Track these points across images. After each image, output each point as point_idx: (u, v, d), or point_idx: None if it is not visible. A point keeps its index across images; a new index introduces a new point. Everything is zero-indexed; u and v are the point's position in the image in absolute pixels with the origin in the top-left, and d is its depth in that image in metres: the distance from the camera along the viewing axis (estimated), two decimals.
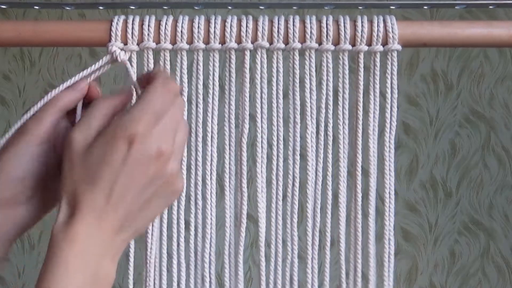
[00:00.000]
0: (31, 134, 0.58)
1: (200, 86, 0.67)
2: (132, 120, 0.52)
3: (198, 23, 0.65)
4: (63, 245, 0.49)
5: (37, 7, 0.75)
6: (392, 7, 0.73)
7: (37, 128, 0.58)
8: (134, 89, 0.61)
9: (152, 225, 0.67)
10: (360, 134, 0.67)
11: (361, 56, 0.66)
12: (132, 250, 0.69)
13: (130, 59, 0.65)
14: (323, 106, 0.67)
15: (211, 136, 0.67)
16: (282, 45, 0.65)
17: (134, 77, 0.65)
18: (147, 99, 0.53)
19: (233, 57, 0.66)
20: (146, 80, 0.58)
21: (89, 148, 0.52)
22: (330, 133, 0.67)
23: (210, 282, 0.68)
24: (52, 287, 0.48)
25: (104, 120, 0.55)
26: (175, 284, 0.68)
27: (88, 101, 0.63)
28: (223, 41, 0.65)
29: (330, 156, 0.68)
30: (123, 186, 0.51)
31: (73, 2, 0.77)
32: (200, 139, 0.67)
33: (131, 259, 0.69)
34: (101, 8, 0.76)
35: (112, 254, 0.52)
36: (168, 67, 0.66)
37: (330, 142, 0.68)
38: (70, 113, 0.62)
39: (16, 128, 0.60)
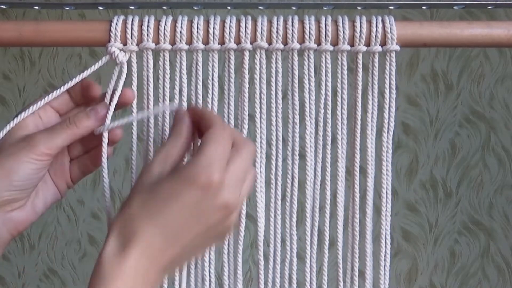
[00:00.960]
0: (40, 149, 0.58)
1: (200, 87, 0.67)
2: (209, 167, 0.51)
3: (197, 23, 0.65)
4: (112, 277, 0.48)
5: (37, 7, 0.75)
6: (391, 7, 0.73)
7: (48, 146, 0.58)
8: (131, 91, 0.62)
9: None
10: (358, 134, 0.67)
11: (360, 56, 0.66)
12: None
13: (129, 60, 0.65)
14: (322, 106, 0.67)
15: None
16: (281, 46, 0.65)
17: (125, 78, 0.65)
18: (218, 143, 0.53)
19: (232, 57, 0.66)
20: (195, 116, 0.57)
21: (159, 184, 0.51)
22: (329, 133, 0.67)
23: (210, 281, 0.68)
24: None
25: (179, 160, 0.54)
26: (176, 283, 0.68)
27: (121, 106, 0.63)
28: (222, 42, 0.65)
29: (329, 156, 0.68)
30: (183, 230, 0.51)
31: (73, 2, 0.77)
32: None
33: None
34: (101, 8, 0.76)
35: None
36: (167, 67, 0.66)
37: (329, 142, 0.68)
38: None
39: (13, 125, 0.60)
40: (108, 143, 0.62)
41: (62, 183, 0.64)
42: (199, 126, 0.58)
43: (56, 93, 0.62)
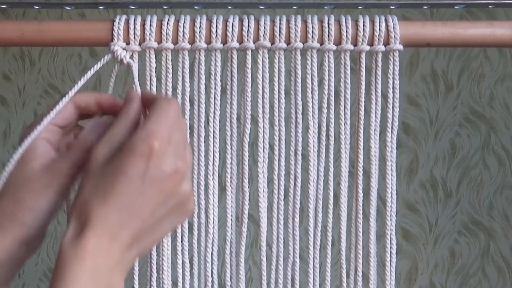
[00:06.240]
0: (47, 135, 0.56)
1: (202, 86, 0.67)
2: (149, 135, 0.50)
3: (200, 23, 0.65)
4: (72, 261, 0.47)
5: (37, 7, 0.75)
6: (392, 7, 0.73)
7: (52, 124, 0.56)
8: (136, 91, 0.61)
9: None
10: (361, 134, 0.67)
11: (363, 56, 0.66)
12: None
13: (131, 59, 0.65)
14: (325, 106, 0.67)
15: (213, 136, 0.67)
16: (284, 45, 0.65)
17: (136, 79, 0.65)
18: (159, 115, 0.52)
19: (235, 56, 0.66)
20: (145, 100, 0.56)
21: (105, 165, 0.51)
22: (332, 133, 0.67)
23: (212, 281, 0.68)
24: None
25: (128, 131, 0.53)
26: (180, 283, 0.68)
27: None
28: (224, 41, 0.65)
29: (331, 156, 0.68)
30: (138, 203, 0.50)
31: (73, 1, 0.77)
32: (202, 139, 0.67)
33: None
34: (101, 8, 0.76)
35: (121, 270, 0.50)
36: (169, 67, 0.66)
37: (332, 142, 0.68)
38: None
39: (20, 154, 0.55)
40: None
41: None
42: (148, 107, 0.56)
43: (58, 107, 0.58)
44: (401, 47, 0.65)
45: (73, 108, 0.58)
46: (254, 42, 0.65)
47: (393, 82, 0.66)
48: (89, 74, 0.60)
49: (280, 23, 0.65)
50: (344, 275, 0.69)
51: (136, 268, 0.69)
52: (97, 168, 0.51)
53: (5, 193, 0.55)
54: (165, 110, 0.53)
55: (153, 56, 0.66)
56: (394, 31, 0.64)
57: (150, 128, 0.51)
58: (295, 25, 0.65)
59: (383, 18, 0.65)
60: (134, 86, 0.62)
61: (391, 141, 0.68)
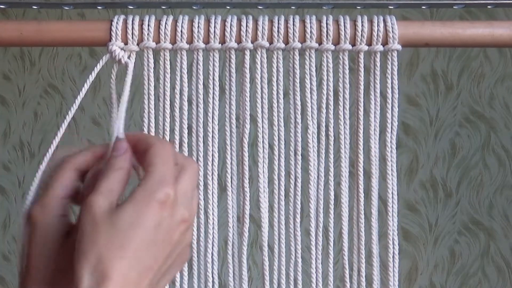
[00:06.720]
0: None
1: (200, 86, 0.67)
2: (162, 183, 0.49)
3: (198, 22, 0.65)
4: None
5: (36, 7, 0.75)
6: (391, 7, 0.73)
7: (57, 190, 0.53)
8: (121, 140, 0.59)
9: None
10: (361, 134, 0.67)
11: (361, 56, 0.66)
12: None
13: (129, 59, 0.65)
14: (324, 106, 0.67)
15: (212, 137, 0.67)
16: (282, 45, 0.65)
17: (129, 80, 0.63)
18: (161, 163, 0.51)
19: (233, 56, 0.66)
20: (134, 143, 0.54)
21: (116, 213, 0.49)
22: (331, 133, 0.67)
23: (213, 282, 0.68)
24: None
25: (124, 184, 0.52)
26: (178, 284, 0.68)
27: None
28: (223, 41, 0.65)
29: (331, 156, 0.68)
30: (153, 255, 0.49)
31: (72, 1, 0.78)
32: (201, 140, 0.67)
33: None
34: (100, 8, 0.76)
35: None
36: (167, 67, 0.66)
37: (331, 142, 0.67)
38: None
39: (39, 180, 0.54)
40: None
41: None
42: (135, 150, 0.55)
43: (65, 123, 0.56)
44: (399, 47, 0.65)
45: (74, 174, 0.55)
46: (252, 42, 0.65)
47: (392, 82, 0.66)
48: (91, 78, 0.60)
49: (278, 23, 0.65)
50: (347, 276, 0.69)
51: None
52: (103, 219, 0.49)
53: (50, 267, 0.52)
54: (165, 155, 0.52)
55: (151, 56, 0.66)
56: (392, 31, 0.64)
57: (160, 175, 0.50)
58: (293, 25, 0.65)
59: (381, 18, 0.65)
60: (123, 87, 0.62)
61: (391, 141, 0.68)
